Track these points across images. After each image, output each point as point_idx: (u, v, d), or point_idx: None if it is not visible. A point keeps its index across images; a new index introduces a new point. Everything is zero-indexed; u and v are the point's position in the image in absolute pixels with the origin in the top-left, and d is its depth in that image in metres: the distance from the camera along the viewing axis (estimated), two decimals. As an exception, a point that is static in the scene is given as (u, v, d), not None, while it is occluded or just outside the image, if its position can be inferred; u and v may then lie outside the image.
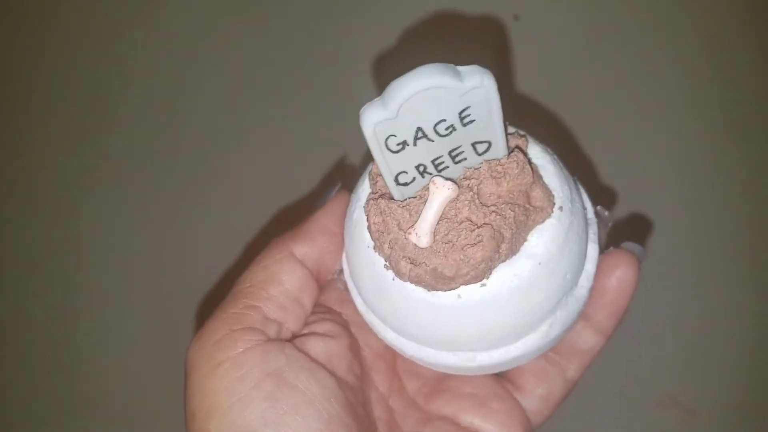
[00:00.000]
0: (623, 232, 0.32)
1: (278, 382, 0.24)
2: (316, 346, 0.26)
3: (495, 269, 0.23)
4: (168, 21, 0.58)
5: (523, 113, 0.49)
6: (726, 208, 0.49)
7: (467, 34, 0.53)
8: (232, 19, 0.57)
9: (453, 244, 0.22)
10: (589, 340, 0.29)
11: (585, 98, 0.51)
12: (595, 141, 0.49)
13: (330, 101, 0.53)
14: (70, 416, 0.49)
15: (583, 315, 0.28)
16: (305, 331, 0.27)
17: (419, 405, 0.30)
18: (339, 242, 0.28)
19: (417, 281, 0.23)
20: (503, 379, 0.30)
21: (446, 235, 0.23)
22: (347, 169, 0.49)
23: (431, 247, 0.23)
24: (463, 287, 0.23)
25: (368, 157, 0.25)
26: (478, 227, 0.22)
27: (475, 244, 0.22)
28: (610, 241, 0.30)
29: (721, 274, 0.47)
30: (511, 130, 0.25)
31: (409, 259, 0.23)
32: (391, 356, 0.30)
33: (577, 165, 0.29)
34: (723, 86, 0.51)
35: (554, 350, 0.29)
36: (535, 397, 0.30)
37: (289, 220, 0.28)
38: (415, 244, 0.23)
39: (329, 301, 0.29)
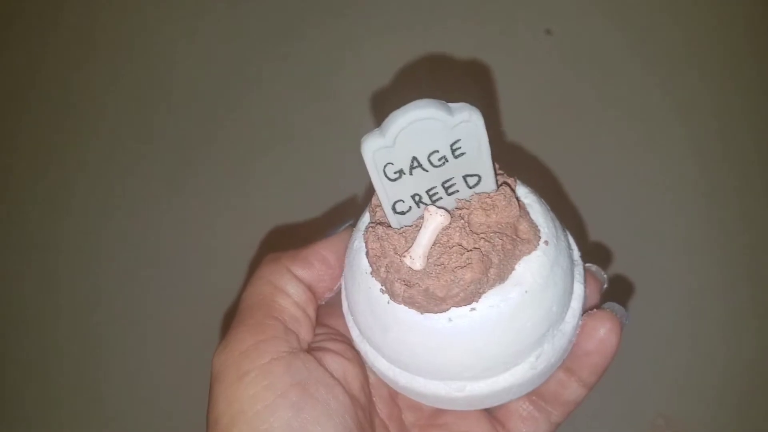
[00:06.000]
0: (605, 292, 0.33)
1: (302, 392, 0.25)
2: (333, 363, 0.28)
3: (484, 295, 0.25)
4: (197, 57, 0.63)
5: (515, 163, 0.52)
6: (717, 230, 0.51)
7: (459, 79, 0.58)
8: (257, 60, 0.62)
9: (444, 267, 0.24)
10: (573, 392, 0.30)
11: (576, 153, 0.54)
12: (585, 199, 0.52)
13: (343, 143, 0.56)
14: (93, 423, 0.52)
15: (567, 369, 0.29)
16: (320, 346, 0.28)
17: None
18: (333, 274, 0.30)
19: (410, 303, 0.25)
20: (494, 420, 0.31)
21: (438, 258, 0.24)
22: (359, 209, 0.52)
23: (424, 269, 0.24)
24: (454, 310, 0.25)
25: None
26: (468, 251, 0.24)
27: (465, 266, 0.24)
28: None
29: (716, 297, 0.49)
30: (500, 173, 0.28)
31: (404, 281, 0.25)
32: None
33: (567, 218, 0.31)
34: (722, 144, 0.53)
35: (541, 398, 0.31)
36: None
37: (298, 240, 0.31)
38: (410, 267, 0.24)
39: (339, 326, 0.30)
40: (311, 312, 0.29)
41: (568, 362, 0.29)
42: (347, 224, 0.31)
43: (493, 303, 0.25)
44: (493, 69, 0.57)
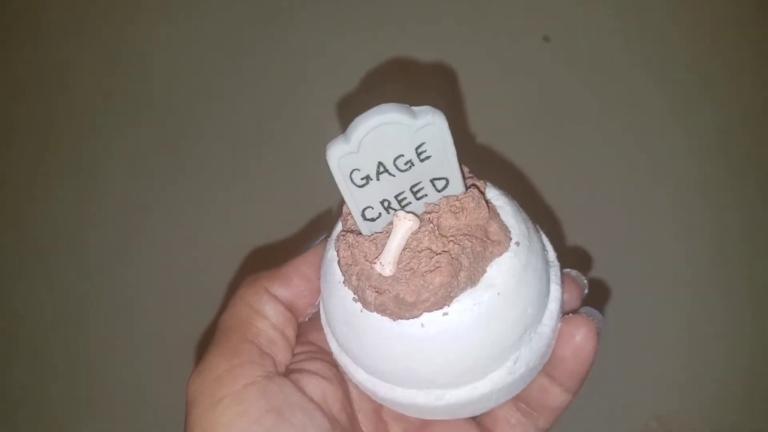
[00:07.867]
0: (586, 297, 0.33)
1: (278, 418, 0.25)
2: (311, 384, 0.27)
3: (456, 299, 0.25)
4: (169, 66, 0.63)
5: (487, 166, 0.52)
6: (702, 233, 0.51)
7: (424, 81, 0.57)
8: (226, 71, 0.62)
9: (414, 271, 0.24)
10: (556, 398, 0.30)
11: (550, 156, 0.54)
12: (562, 203, 0.51)
13: (315, 153, 0.55)
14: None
15: (548, 375, 0.29)
16: (299, 367, 0.28)
17: None
18: (314, 288, 0.29)
19: (382, 310, 0.24)
20: (482, 428, 0.31)
21: (408, 263, 0.24)
22: (335, 221, 0.52)
23: (394, 275, 0.24)
24: (426, 316, 0.24)
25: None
26: (437, 254, 0.24)
27: (434, 270, 0.24)
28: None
29: (709, 295, 0.49)
30: (470, 176, 0.28)
31: (374, 288, 0.24)
32: None
33: (544, 222, 0.31)
34: (710, 150, 0.53)
35: (526, 404, 0.30)
36: None
37: (276, 260, 0.30)
38: (380, 273, 0.24)
39: (320, 341, 0.30)
40: (290, 333, 0.29)
41: (548, 368, 0.29)
42: (323, 237, 0.31)
43: (466, 306, 0.24)
44: (460, 71, 0.57)
